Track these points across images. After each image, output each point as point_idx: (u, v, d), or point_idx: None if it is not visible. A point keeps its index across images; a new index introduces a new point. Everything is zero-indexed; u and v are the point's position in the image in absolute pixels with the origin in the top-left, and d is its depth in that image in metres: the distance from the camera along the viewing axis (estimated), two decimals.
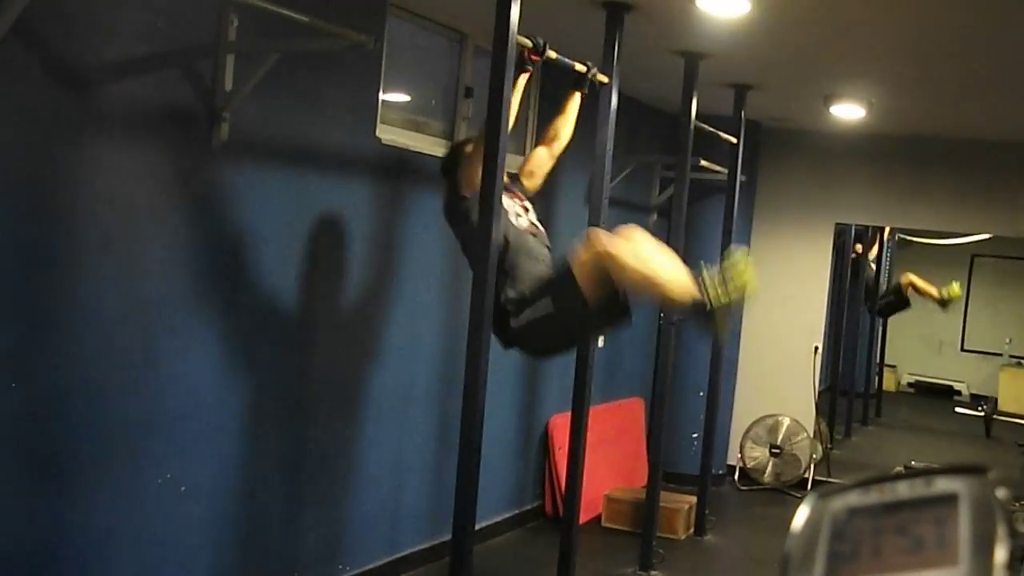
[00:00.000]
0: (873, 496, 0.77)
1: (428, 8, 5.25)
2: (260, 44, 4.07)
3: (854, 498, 0.78)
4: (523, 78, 4.26)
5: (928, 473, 0.76)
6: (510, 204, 4.33)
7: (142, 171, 3.81)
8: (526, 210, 4.47)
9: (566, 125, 4.78)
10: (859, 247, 10.71)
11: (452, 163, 4.48)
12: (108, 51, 3.64)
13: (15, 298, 3.41)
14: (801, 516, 0.80)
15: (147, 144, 3.82)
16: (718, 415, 7.18)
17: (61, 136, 3.51)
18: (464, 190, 4.30)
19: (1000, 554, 0.69)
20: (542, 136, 4.88)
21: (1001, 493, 0.72)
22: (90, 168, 3.62)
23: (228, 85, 3.99)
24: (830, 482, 7.63)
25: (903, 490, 0.76)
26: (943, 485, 0.74)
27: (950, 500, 0.73)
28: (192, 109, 3.94)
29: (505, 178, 4.24)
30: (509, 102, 3.92)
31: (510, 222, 4.26)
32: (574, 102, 4.79)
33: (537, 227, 4.44)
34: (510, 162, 4.27)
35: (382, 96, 4.98)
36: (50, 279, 3.52)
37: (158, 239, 3.89)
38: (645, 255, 3.78)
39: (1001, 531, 0.70)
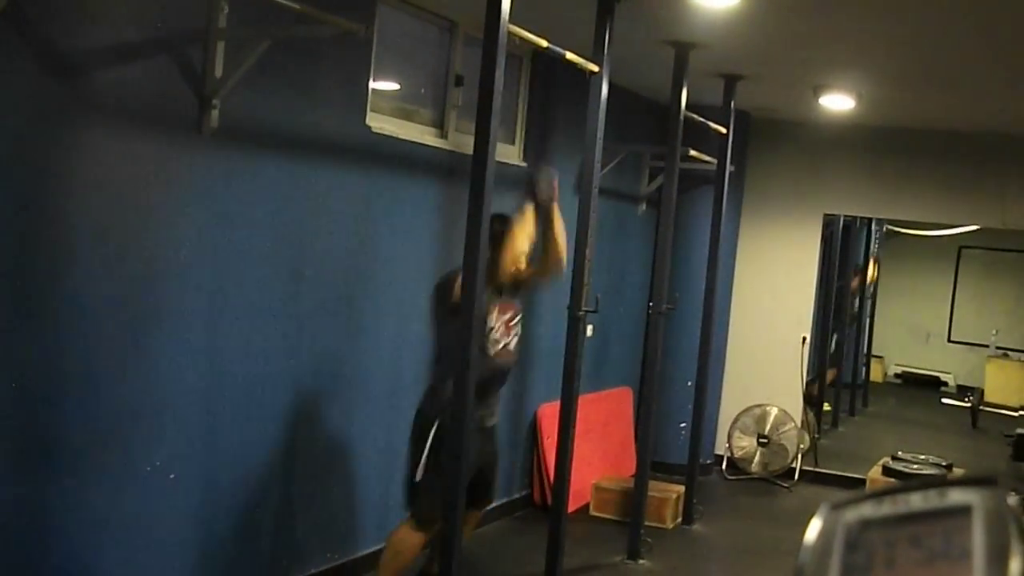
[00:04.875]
0: (886, 507, 0.77)
1: None
2: (250, 31, 4.06)
3: (867, 509, 0.78)
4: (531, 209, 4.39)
5: (941, 484, 0.76)
6: (496, 319, 4.50)
7: (131, 158, 3.80)
8: (508, 329, 4.58)
9: (549, 249, 4.68)
10: (855, 282, 10.78)
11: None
12: (97, 37, 3.62)
13: (3, 286, 3.40)
14: (814, 527, 0.80)
15: (136, 131, 3.81)
16: (706, 405, 7.20)
17: (50, 123, 3.50)
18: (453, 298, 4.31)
19: (1015, 566, 0.69)
20: (534, 261, 4.70)
21: (1012, 501, 0.73)
22: (79, 155, 3.61)
23: (218, 72, 3.98)
24: (829, 478, 7.63)
25: (916, 502, 0.76)
26: (956, 497, 0.75)
27: (964, 512, 0.74)
28: (182, 96, 3.93)
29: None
30: (500, 92, 3.92)
31: (486, 346, 4.42)
32: (535, 216, 4.52)
33: (511, 352, 4.62)
34: (500, 151, 4.27)
35: (372, 84, 4.97)
36: (39, 266, 3.51)
37: (147, 226, 3.88)
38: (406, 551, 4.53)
39: (1015, 543, 0.70)
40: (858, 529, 0.78)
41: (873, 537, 0.77)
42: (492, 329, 4.47)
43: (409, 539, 4.53)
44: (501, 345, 4.55)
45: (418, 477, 4.40)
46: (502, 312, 4.54)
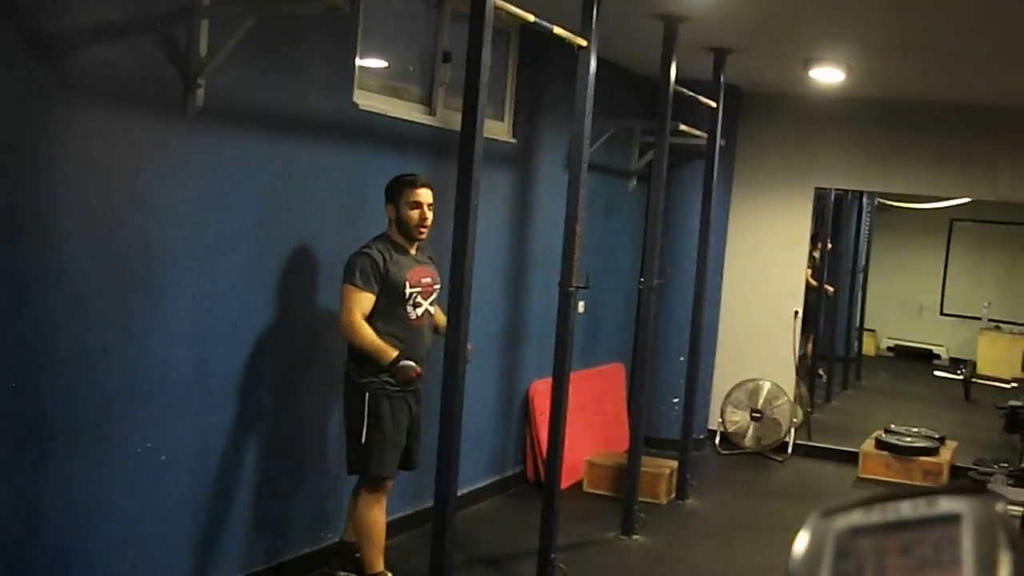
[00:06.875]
0: (876, 515, 0.78)
1: None
2: (235, 9, 4.02)
3: (857, 517, 0.79)
4: None
5: (931, 493, 0.77)
6: (413, 284, 4.55)
7: (117, 138, 3.77)
8: (427, 292, 4.62)
9: None
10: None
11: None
12: (81, 16, 3.59)
13: None
14: (804, 535, 0.81)
15: (122, 111, 3.78)
16: (699, 380, 7.20)
17: (34, 103, 3.47)
18: None
19: (1003, 574, 0.70)
20: None
21: (1000, 508, 0.73)
22: (65, 135, 3.58)
23: (203, 50, 3.95)
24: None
25: (906, 510, 0.77)
26: (946, 505, 0.75)
27: (953, 520, 0.74)
28: (167, 75, 3.90)
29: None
30: (487, 68, 3.90)
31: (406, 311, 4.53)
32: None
33: (429, 313, 4.62)
34: (489, 127, 4.25)
35: (359, 61, 4.94)
36: (25, 247, 3.48)
37: (134, 206, 3.86)
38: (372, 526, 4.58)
39: (1004, 552, 0.71)
40: (848, 537, 0.78)
41: (863, 545, 0.77)
42: (412, 295, 4.51)
43: (370, 512, 4.55)
44: (422, 310, 4.58)
45: (364, 440, 4.46)
46: (420, 276, 4.57)
